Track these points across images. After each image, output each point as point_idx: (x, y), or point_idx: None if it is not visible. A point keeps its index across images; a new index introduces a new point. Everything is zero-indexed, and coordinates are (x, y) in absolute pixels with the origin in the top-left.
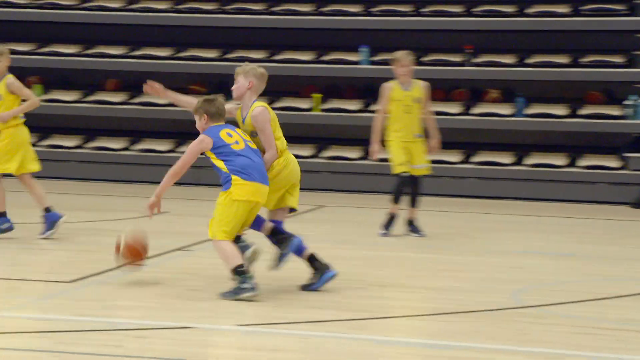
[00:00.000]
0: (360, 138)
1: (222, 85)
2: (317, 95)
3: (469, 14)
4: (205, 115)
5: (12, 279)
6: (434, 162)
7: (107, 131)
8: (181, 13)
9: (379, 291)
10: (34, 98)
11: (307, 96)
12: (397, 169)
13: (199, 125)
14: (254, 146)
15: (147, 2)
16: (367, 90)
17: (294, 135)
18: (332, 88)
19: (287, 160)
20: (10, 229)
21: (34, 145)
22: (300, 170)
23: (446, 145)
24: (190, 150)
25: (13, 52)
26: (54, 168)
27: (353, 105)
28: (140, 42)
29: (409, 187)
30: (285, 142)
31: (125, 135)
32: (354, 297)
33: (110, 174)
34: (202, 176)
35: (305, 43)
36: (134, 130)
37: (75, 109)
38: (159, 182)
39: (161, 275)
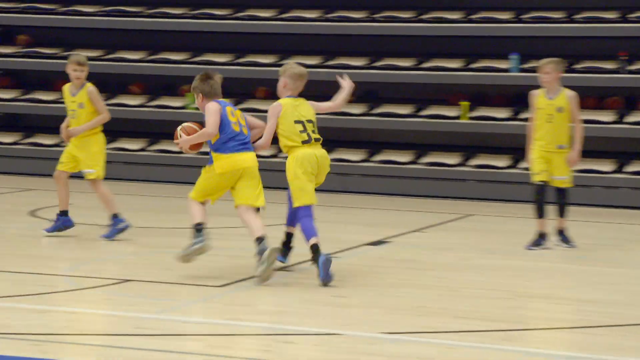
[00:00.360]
0: (508, 146)
1: (369, 93)
2: (465, 103)
3: (624, 20)
4: (200, 94)
5: (167, 283)
6: (585, 171)
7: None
8: (330, 22)
9: (529, 302)
10: (106, 113)
11: (455, 104)
12: (534, 178)
13: (197, 103)
14: (245, 131)
15: (297, 11)
16: (517, 98)
17: (441, 143)
18: (481, 96)
19: (296, 157)
20: (126, 227)
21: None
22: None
23: (598, 154)
24: (208, 114)
25: (167, 61)
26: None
27: (502, 113)
28: (289, 51)
29: (551, 197)
30: (297, 139)
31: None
32: (502, 308)
33: None
34: (349, 184)
35: (454, 50)
36: None
37: None
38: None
39: (308, 281)
